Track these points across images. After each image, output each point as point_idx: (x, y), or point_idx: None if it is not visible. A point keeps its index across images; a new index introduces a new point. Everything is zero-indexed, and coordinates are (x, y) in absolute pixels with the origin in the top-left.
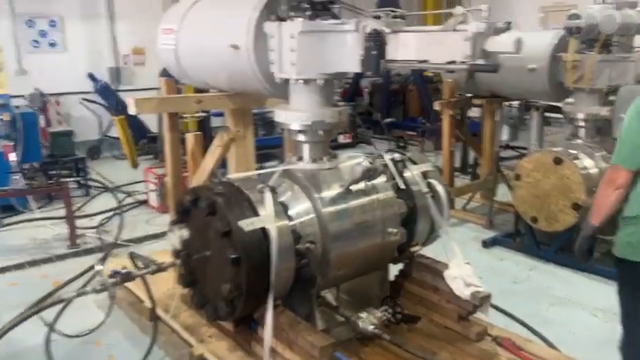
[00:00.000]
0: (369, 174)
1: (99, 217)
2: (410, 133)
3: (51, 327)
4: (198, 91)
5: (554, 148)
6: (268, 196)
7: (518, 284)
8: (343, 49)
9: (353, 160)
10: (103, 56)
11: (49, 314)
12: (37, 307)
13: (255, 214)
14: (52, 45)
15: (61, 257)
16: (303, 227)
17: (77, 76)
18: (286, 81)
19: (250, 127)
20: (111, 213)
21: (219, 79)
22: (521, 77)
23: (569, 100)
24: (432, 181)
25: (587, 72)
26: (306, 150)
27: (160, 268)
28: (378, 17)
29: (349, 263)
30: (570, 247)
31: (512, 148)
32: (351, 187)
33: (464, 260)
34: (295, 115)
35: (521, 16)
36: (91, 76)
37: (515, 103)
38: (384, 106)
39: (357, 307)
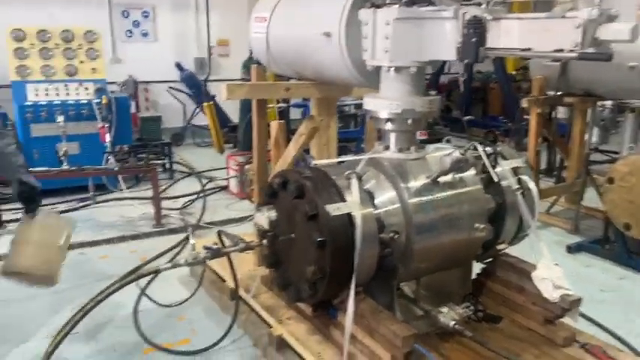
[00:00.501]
0: (458, 165)
1: (182, 200)
2: (490, 131)
3: (144, 292)
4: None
5: None
6: (355, 182)
7: (606, 293)
8: (440, 37)
9: (441, 152)
10: (190, 47)
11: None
12: (135, 274)
13: (342, 199)
14: (144, 35)
15: (147, 235)
16: (387, 216)
17: (165, 65)
18: (377, 69)
19: (334, 117)
20: (194, 196)
21: (308, 67)
22: (619, 75)
23: None
24: (523, 177)
25: None
26: (393, 139)
27: (248, 247)
28: (478, 4)
29: (432, 256)
30: None
31: (602, 151)
32: (438, 179)
33: (553, 262)
34: (385, 102)
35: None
36: (178, 66)
37: (608, 103)
38: (464, 103)
39: (436, 303)
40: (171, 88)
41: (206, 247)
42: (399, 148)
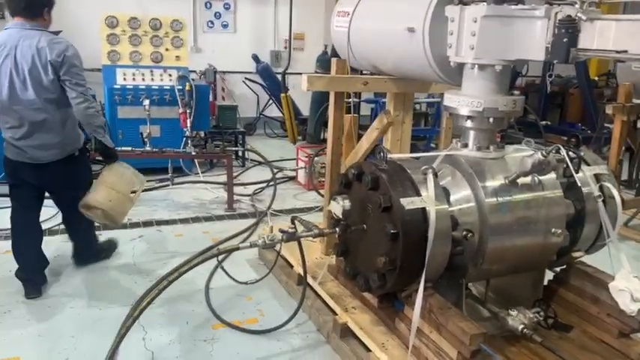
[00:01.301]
0: (540, 167)
1: (253, 187)
2: (574, 135)
3: (222, 267)
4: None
5: None
6: (431, 178)
7: None
8: (529, 36)
9: (521, 152)
10: (267, 39)
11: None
12: (216, 250)
13: (417, 193)
14: (225, 26)
15: (219, 218)
16: (461, 215)
17: (243, 56)
18: (460, 66)
19: (410, 113)
20: (264, 184)
21: (388, 62)
22: None
23: None
24: (606, 184)
25: None
26: (472, 137)
27: (322, 233)
28: (572, 3)
29: (505, 259)
30: None
31: None
32: (517, 180)
33: (633, 274)
34: (467, 99)
35: None
36: (255, 58)
37: None
38: (541, 107)
39: (504, 306)
40: (247, 79)
41: (282, 231)
42: (477, 146)
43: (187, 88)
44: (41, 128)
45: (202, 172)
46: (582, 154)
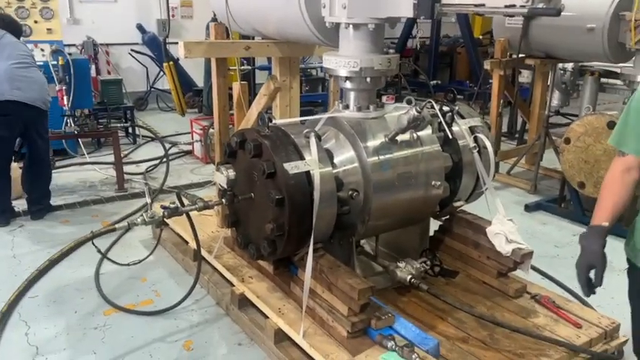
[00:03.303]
0: (415, 123)
1: (145, 165)
2: (450, 90)
3: (100, 251)
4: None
5: (609, 112)
6: (313, 141)
7: (560, 249)
8: None
9: (400, 111)
10: (152, 8)
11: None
12: (91, 234)
13: (301, 158)
14: None
15: (110, 200)
16: (346, 175)
17: (127, 27)
18: (336, 26)
19: (297, 77)
20: (157, 161)
21: (269, 26)
22: (578, 37)
23: (629, 63)
24: (479, 135)
25: None
26: (352, 98)
27: (207, 206)
28: None
29: (390, 214)
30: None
31: (563, 114)
32: (397, 137)
33: (507, 217)
34: (344, 60)
35: None
36: (140, 28)
37: (569, 66)
38: (431, 68)
39: (395, 259)
40: (133, 50)
41: (163, 207)
42: (358, 107)
43: (60, 62)
44: None
45: (89, 153)
46: (457, 108)
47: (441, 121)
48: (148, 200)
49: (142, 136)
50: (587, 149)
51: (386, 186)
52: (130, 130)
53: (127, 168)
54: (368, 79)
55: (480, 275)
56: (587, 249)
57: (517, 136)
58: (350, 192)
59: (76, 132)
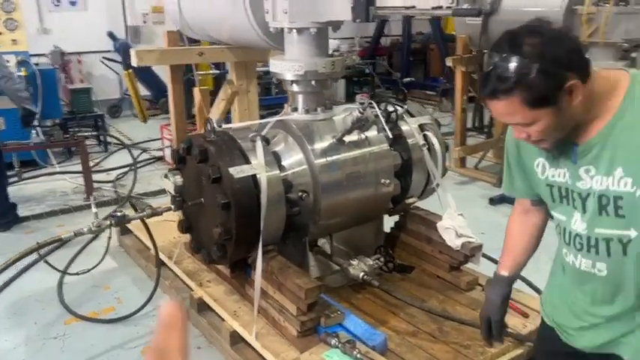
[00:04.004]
0: (360, 124)
1: (116, 172)
2: (430, 92)
3: (44, 259)
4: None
5: None
6: (259, 145)
7: None
8: None
9: (348, 112)
10: (122, 15)
11: (63, 262)
12: (37, 244)
13: (247, 162)
14: (73, 4)
15: (78, 209)
16: (295, 177)
17: (97, 35)
18: (281, 31)
19: (254, 81)
20: (126, 169)
21: (222, 31)
22: None
23: None
24: (427, 133)
25: (602, 25)
26: (300, 101)
27: (155, 213)
28: None
29: (341, 213)
30: None
31: None
32: (344, 138)
33: (457, 212)
34: (288, 64)
35: None
36: (111, 35)
37: None
38: (404, 65)
39: (352, 257)
40: (105, 58)
41: (111, 215)
42: (306, 109)
43: (23, 73)
44: None
45: (60, 162)
46: (406, 107)
47: (387, 121)
48: (94, 210)
49: (114, 143)
50: None
51: (335, 186)
52: (102, 138)
53: (97, 176)
54: (313, 82)
55: (433, 270)
56: (487, 298)
57: (486, 130)
58: (299, 193)
59: (42, 142)
